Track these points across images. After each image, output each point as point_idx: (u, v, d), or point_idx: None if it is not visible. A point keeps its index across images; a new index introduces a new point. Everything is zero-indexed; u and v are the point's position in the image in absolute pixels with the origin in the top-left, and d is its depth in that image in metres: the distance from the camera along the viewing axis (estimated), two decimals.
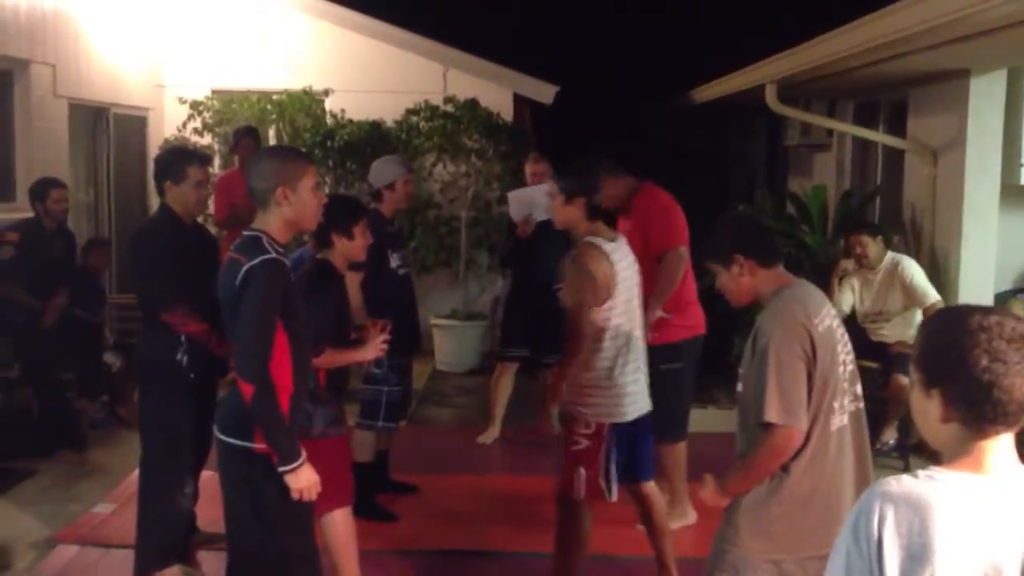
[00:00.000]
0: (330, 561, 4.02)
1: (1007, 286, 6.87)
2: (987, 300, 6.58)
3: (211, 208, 7.36)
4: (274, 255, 3.20)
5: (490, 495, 5.91)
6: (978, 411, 1.72)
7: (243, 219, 7.47)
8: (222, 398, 3.52)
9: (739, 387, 3.10)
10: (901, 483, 1.73)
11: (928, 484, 1.73)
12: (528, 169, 7.16)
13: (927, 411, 1.79)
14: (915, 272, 6.43)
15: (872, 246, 6.51)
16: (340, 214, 4.24)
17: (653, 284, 4.90)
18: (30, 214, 6.53)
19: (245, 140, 7.76)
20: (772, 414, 2.84)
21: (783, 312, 2.95)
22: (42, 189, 6.46)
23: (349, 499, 4.12)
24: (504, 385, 6.96)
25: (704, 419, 7.31)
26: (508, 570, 4.87)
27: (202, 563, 4.80)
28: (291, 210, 3.27)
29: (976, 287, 6.55)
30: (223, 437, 3.34)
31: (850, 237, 6.70)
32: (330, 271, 4.28)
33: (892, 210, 8.04)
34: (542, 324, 6.87)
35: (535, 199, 6.71)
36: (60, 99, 8.01)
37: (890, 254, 6.56)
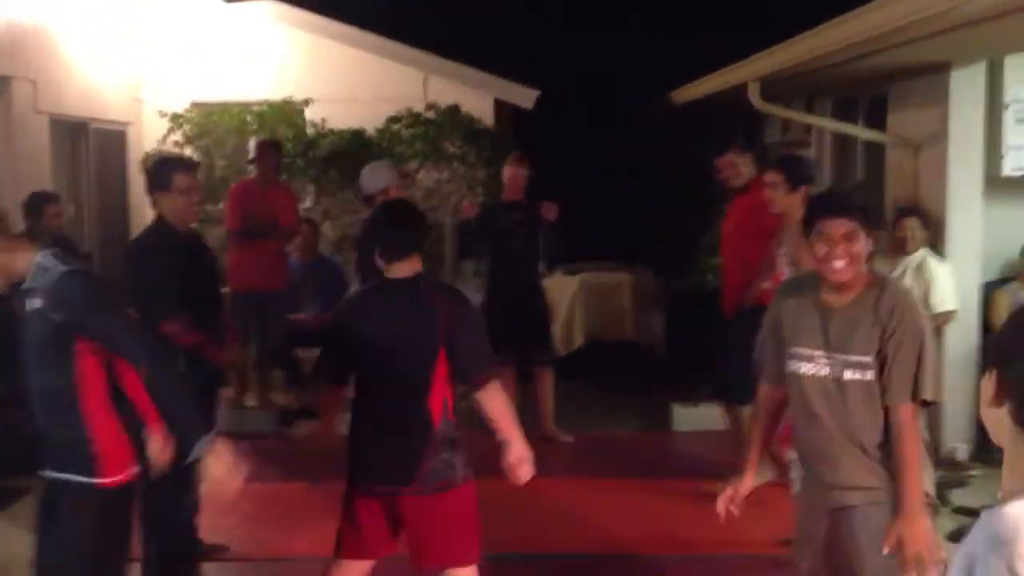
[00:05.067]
0: None
1: (994, 277, 6.92)
2: (974, 292, 6.65)
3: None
4: None
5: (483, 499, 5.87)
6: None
7: (258, 229, 7.45)
8: None
9: (850, 374, 3.10)
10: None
11: None
12: (508, 171, 6.91)
13: (985, 391, 1.65)
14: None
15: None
16: None
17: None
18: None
19: (273, 154, 7.86)
20: (930, 392, 3.00)
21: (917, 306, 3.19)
22: (36, 204, 6.38)
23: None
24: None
25: (691, 417, 7.32)
26: (497, 572, 4.85)
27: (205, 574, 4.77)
28: None
29: (962, 279, 6.60)
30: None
31: None
32: None
33: (875, 206, 8.08)
34: (523, 325, 6.84)
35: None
36: (41, 115, 7.94)
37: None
